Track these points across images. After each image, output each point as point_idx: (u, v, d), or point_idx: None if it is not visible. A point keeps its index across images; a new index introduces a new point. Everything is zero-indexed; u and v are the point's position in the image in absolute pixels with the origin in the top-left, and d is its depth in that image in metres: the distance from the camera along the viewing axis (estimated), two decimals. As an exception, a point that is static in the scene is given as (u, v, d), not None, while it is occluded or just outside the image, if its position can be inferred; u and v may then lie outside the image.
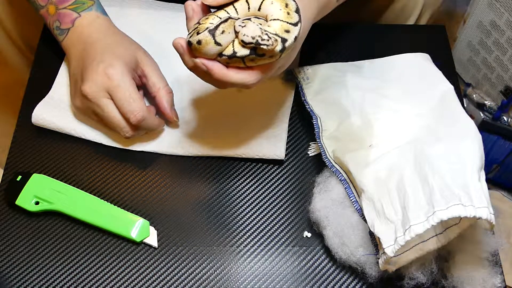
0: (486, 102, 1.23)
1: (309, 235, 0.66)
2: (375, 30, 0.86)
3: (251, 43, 0.52)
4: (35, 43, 0.81)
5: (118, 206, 0.66)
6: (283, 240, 0.66)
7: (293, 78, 0.75)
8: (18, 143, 0.72)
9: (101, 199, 0.67)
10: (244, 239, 0.66)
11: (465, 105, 1.01)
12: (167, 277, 0.63)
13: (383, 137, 0.67)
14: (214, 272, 0.63)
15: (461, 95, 0.85)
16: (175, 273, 0.63)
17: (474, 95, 1.25)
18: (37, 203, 0.66)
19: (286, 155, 0.71)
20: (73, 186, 0.67)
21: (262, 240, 0.66)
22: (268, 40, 0.51)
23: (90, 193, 0.67)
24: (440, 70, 0.73)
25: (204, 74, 0.56)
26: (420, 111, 0.68)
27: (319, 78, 0.75)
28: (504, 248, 0.62)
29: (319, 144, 0.68)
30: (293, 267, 0.64)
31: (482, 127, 1.19)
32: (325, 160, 0.67)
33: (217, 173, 0.70)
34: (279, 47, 0.52)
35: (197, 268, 0.64)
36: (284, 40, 0.53)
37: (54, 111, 0.71)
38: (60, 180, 0.68)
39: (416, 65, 0.74)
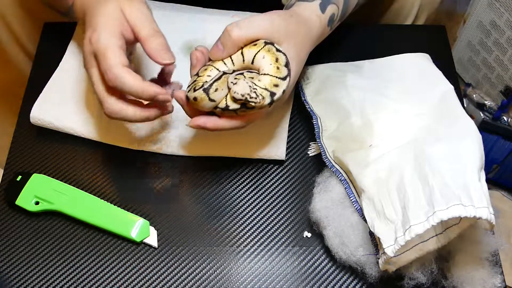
0: (486, 102, 1.23)
1: (309, 235, 0.66)
2: (375, 30, 0.86)
3: (241, 99, 0.56)
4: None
5: (118, 206, 0.66)
6: (283, 240, 0.66)
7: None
8: (18, 143, 0.72)
9: (101, 199, 0.67)
10: (244, 239, 0.66)
11: (465, 105, 1.01)
12: (167, 277, 0.63)
13: (383, 137, 0.67)
14: (214, 272, 0.63)
15: (461, 95, 0.85)
16: (175, 273, 0.63)
17: (474, 95, 1.25)
18: (37, 203, 0.66)
19: (286, 155, 0.71)
20: (73, 186, 0.67)
21: (262, 240, 0.66)
22: (256, 98, 0.56)
23: (90, 193, 0.67)
24: (440, 70, 0.73)
25: (200, 128, 0.60)
26: (420, 111, 0.68)
27: (319, 78, 0.75)
28: (504, 248, 0.62)
29: (319, 144, 0.68)
30: (293, 267, 0.64)
31: (482, 127, 1.19)
32: (325, 160, 0.67)
33: (217, 173, 0.70)
34: (267, 100, 0.57)
35: (197, 268, 0.64)
36: (272, 94, 0.58)
37: (52, 111, 0.71)
38: (60, 180, 0.68)
39: (416, 65, 0.74)
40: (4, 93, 0.98)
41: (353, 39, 0.82)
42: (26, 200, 0.66)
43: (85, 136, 0.71)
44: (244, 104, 0.57)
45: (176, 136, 0.71)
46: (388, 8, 0.91)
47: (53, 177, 0.68)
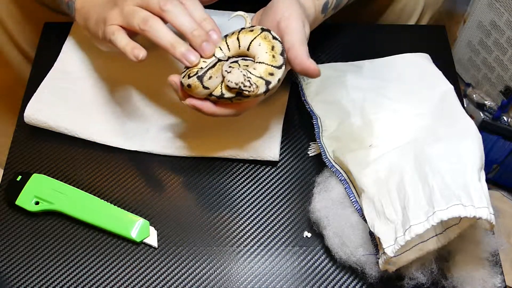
0: (486, 102, 1.23)
1: (309, 235, 0.66)
2: (375, 30, 0.86)
3: (235, 88, 0.56)
4: (36, 43, 0.81)
5: (118, 206, 0.66)
6: (283, 240, 0.66)
7: (288, 79, 0.75)
8: (18, 143, 0.72)
9: (101, 199, 0.67)
10: (244, 239, 0.66)
11: (465, 105, 1.01)
12: (167, 277, 0.63)
13: (383, 137, 0.67)
14: (214, 272, 0.63)
15: (461, 95, 0.85)
16: (175, 273, 0.63)
17: (474, 95, 1.25)
18: (37, 203, 0.66)
19: (286, 155, 0.71)
20: (73, 186, 0.67)
21: (262, 240, 0.66)
22: (250, 86, 0.55)
23: (90, 193, 0.67)
24: (440, 70, 0.73)
25: (195, 109, 0.60)
26: (420, 111, 0.68)
27: (319, 78, 0.75)
28: (504, 248, 0.62)
29: (319, 144, 0.68)
30: (293, 267, 0.64)
31: (482, 127, 1.19)
32: (325, 160, 0.67)
33: (217, 173, 0.70)
34: (262, 89, 0.57)
35: (197, 268, 0.64)
36: (268, 83, 0.57)
37: (46, 110, 0.71)
38: (60, 180, 0.68)
39: (416, 65, 0.74)
40: (4, 93, 0.99)
41: (353, 39, 0.82)
42: (26, 200, 0.66)
43: (79, 136, 0.71)
44: (239, 92, 0.57)
45: (169, 137, 0.71)
46: (388, 6, 0.91)
47: (53, 177, 0.68)
